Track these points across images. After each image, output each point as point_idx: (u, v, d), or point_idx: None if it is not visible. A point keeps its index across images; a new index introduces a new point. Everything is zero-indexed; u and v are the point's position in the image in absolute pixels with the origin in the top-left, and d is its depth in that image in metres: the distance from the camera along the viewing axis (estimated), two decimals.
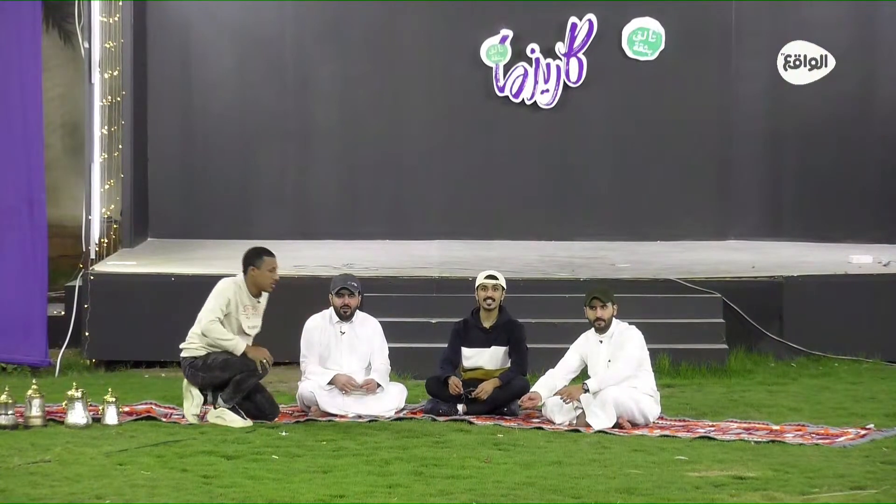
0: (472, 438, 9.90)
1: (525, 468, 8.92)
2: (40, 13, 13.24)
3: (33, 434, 9.95)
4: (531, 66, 17.37)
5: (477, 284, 11.12)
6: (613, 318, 10.66)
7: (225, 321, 10.34)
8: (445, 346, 11.17)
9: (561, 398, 10.44)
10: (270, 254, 10.51)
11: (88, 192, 13.94)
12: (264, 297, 10.58)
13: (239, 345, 10.30)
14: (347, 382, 10.72)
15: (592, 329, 10.70)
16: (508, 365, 10.96)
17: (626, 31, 17.39)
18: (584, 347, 10.70)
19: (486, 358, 10.99)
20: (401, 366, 11.74)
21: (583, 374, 10.76)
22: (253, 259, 10.48)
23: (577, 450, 9.53)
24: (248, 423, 10.27)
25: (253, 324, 10.44)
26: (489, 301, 11.01)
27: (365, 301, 11.48)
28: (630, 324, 10.75)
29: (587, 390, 10.34)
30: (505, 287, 11.14)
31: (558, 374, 10.64)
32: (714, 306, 13.11)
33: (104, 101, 14.38)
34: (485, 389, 10.73)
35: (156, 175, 16.95)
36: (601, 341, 10.62)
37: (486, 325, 11.05)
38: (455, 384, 10.78)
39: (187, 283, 12.84)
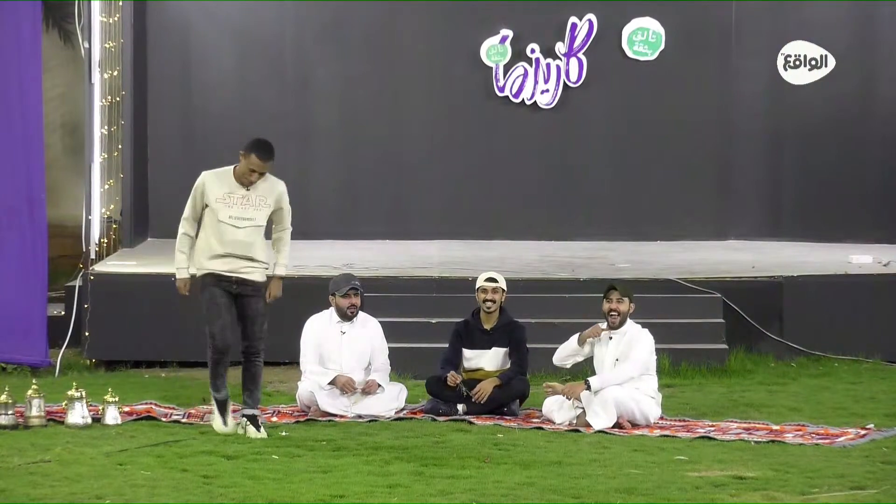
0: (472, 438, 9.90)
1: (525, 468, 8.92)
2: (40, 13, 13.23)
3: (33, 434, 9.95)
4: (531, 66, 17.37)
5: (477, 287, 11.12)
6: (628, 318, 10.65)
7: (208, 213, 9.80)
8: (445, 346, 11.17)
9: (563, 395, 10.43)
10: (264, 155, 9.78)
11: (88, 192, 13.94)
12: (272, 189, 9.95)
13: (179, 272, 9.93)
14: (347, 383, 10.73)
15: (605, 323, 10.69)
16: (509, 366, 10.96)
17: (626, 31, 17.39)
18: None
19: (486, 359, 10.99)
20: (401, 366, 11.74)
21: (586, 369, 10.77)
22: (247, 149, 9.83)
23: (577, 450, 9.53)
24: (228, 430, 9.93)
25: (236, 213, 9.78)
26: (489, 304, 11.01)
27: (365, 301, 11.48)
28: (644, 329, 10.73)
29: (588, 387, 10.33)
30: (505, 289, 11.13)
31: (570, 342, 10.71)
32: (714, 306, 13.11)
33: (104, 101, 14.38)
34: (483, 390, 10.73)
35: (156, 175, 16.95)
36: (611, 337, 10.61)
37: (487, 326, 11.05)
38: (453, 376, 10.78)
39: None
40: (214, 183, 9.80)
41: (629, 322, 10.66)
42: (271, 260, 10.07)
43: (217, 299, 9.83)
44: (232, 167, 9.86)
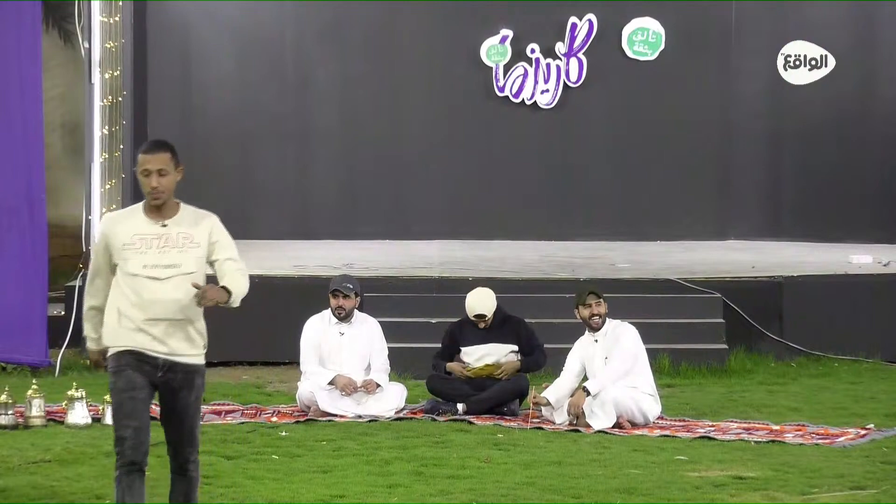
0: (472, 438, 9.90)
1: (525, 468, 8.92)
2: (40, 13, 13.23)
3: (33, 434, 9.95)
4: (531, 66, 17.38)
5: (471, 316, 11.06)
6: (606, 316, 10.66)
7: (119, 271, 6.85)
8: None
9: (567, 412, 10.38)
10: (146, 148, 6.97)
11: (88, 192, 13.94)
12: (195, 221, 7.03)
13: (89, 341, 7.09)
14: (347, 384, 10.71)
15: (586, 332, 10.69)
16: (515, 358, 10.98)
17: (626, 31, 17.40)
18: (581, 351, 10.69)
19: (489, 356, 10.99)
20: (401, 366, 11.74)
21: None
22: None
23: (577, 450, 9.53)
24: None
25: (153, 260, 6.80)
26: (482, 325, 11.02)
27: (365, 301, 11.48)
28: (625, 322, 10.74)
29: (589, 393, 10.31)
30: (492, 303, 11.08)
31: (564, 382, 10.60)
32: (714, 306, 13.10)
33: (104, 101, 14.38)
34: (506, 370, 10.81)
35: None
36: (596, 340, 10.61)
37: (481, 325, 11.05)
38: (457, 367, 10.82)
39: None
40: (118, 224, 6.92)
41: (607, 320, 10.65)
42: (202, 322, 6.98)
43: (135, 391, 6.95)
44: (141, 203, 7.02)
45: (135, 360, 6.85)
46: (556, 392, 10.53)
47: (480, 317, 10.99)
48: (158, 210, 6.90)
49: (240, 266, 7.00)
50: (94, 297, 6.98)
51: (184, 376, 6.95)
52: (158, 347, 6.84)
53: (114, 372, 6.90)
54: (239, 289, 6.89)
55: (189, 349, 6.91)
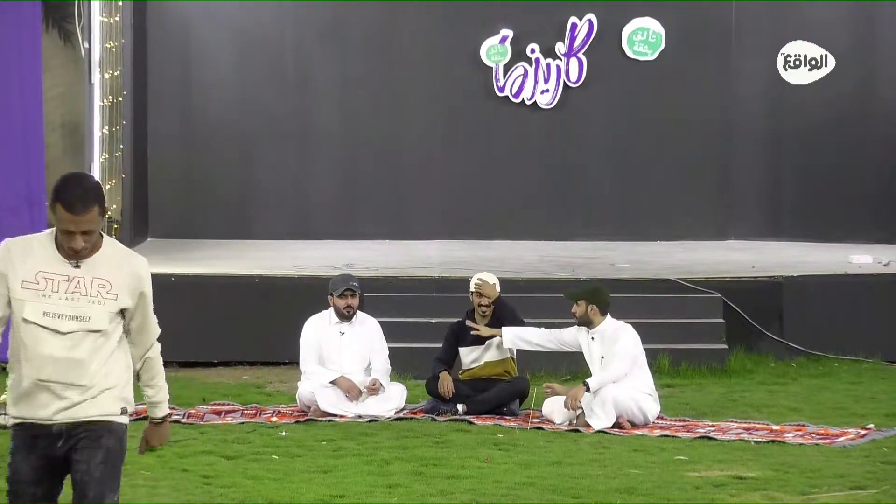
0: (472, 438, 9.91)
1: (525, 468, 8.92)
2: (40, 13, 13.23)
3: None
4: (531, 66, 17.38)
5: (470, 290, 11.10)
6: (608, 316, 10.65)
7: (18, 307, 5.35)
8: None
9: (565, 405, 10.38)
10: (76, 205, 5.32)
11: None
12: (119, 265, 5.59)
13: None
14: (351, 388, 10.67)
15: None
16: (509, 356, 10.97)
17: (626, 31, 17.40)
18: (581, 337, 10.72)
19: (489, 353, 11.00)
20: (401, 366, 11.74)
21: (576, 363, 10.76)
22: (53, 196, 5.39)
23: (577, 450, 9.54)
24: None
25: (55, 308, 5.33)
26: (483, 309, 11.01)
27: (365, 301, 11.48)
28: (627, 323, 10.74)
29: (588, 389, 10.32)
30: (498, 290, 11.10)
31: (546, 332, 10.74)
32: (714, 306, 13.10)
33: (104, 101, 14.39)
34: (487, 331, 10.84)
35: (156, 175, 16.96)
36: (593, 338, 10.62)
37: (483, 324, 11.06)
38: (446, 384, 10.80)
39: (187, 283, 12.81)
40: (21, 256, 5.47)
41: (609, 319, 10.65)
42: (126, 390, 5.52)
43: (20, 486, 5.49)
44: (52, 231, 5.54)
45: (26, 438, 5.40)
46: (529, 333, 10.71)
47: (482, 282, 10.96)
48: None
49: (161, 367, 5.76)
50: None
51: (87, 435, 5.39)
52: (49, 413, 5.35)
53: (10, 453, 5.46)
54: (167, 391, 5.70)
55: (96, 408, 5.38)
